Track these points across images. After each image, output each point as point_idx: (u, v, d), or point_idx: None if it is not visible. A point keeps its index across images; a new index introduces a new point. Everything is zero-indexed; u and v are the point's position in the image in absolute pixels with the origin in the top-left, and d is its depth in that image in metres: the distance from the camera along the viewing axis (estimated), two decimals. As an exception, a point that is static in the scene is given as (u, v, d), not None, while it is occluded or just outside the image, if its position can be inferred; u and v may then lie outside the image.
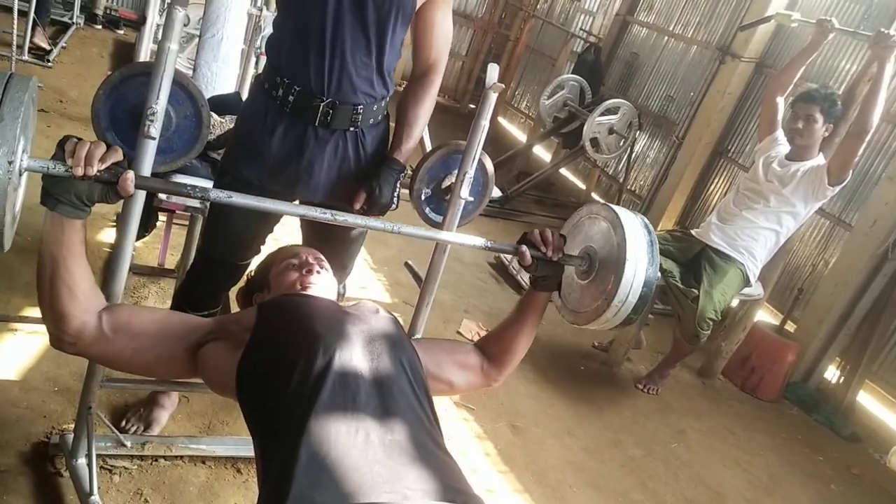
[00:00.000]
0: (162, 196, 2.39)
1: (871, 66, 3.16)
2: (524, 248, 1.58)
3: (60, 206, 1.23)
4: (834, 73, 4.46)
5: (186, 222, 2.53)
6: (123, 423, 2.06)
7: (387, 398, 1.26)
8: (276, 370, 1.26)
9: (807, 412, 3.82)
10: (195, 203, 2.22)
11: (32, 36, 4.88)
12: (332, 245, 1.92)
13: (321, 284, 1.56)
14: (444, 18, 1.79)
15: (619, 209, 1.65)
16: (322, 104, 1.68)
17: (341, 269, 1.98)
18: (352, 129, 1.75)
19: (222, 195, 1.35)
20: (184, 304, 1.96)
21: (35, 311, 2.38)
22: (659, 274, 1.62)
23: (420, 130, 1.86)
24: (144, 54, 4.54)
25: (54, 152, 1.21)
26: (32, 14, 4.82)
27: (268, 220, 1.92)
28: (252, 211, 1.79)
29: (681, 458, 2.99)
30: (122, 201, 1.39)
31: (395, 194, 1.83)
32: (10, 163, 1.11)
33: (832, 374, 4.03)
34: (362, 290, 3.37)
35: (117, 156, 1.24)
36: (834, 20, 3.20)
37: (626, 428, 3.08)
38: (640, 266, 1.55)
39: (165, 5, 5.00)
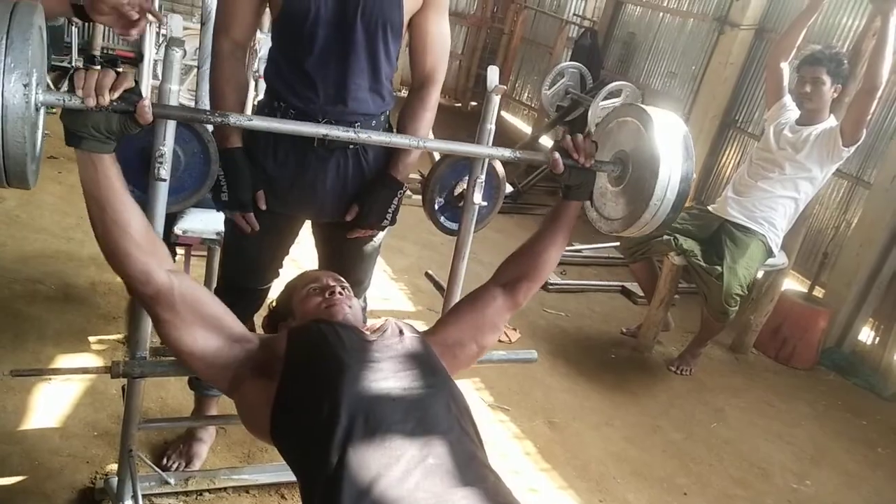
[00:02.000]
0: (178, 231, 2.42)
1: (874, 21, 3.12)
2: (557, 155, 1.54)
3: (84, 141, 1.23)
4: (836, 31, 4.40)
5: (205, 254, 2.54)
6: (165, 460, 2.08)
7: (424, 422, 1.25)
8: (307, 406, 1.25)
9: (845, 377, 3.77)
10: (212, 235, 2.23)
11: None
12: (347, 261, 1.94)
13: (344, 305, 1.56)
14: (438, 26, 1.77)
15: (649, 108, 1.60)
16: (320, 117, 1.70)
17: (358, 283, 1.98)
18: (352, 146, 1.75)
19: (242, 119, 1.37)
20: None
21: (68, 361, 2.44)
22: (692, 168, 1.55)
23: None
24: (145, 91, 4.59)
25: (66, 87, 1.21)
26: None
27: (284, 242, 1.94)
28: (266, 236, 1.82)
29: (722, 438, 2.96)
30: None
31: (390, 211, 1.81)
32: (25, 86, 1.10)
33: (867, 335, 3.98)
34: (385, 301, 3.38)
35: (128, 82, 1.23)
36: (831, -22, 3.15)
37: (663, 412, 3.05)
38: (675, 161, 1.50)
39: (160, 42, 5.05)
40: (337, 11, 1.62)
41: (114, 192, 1.28)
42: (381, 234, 1.94)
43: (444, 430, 1.25)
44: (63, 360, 2.42)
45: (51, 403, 2.22)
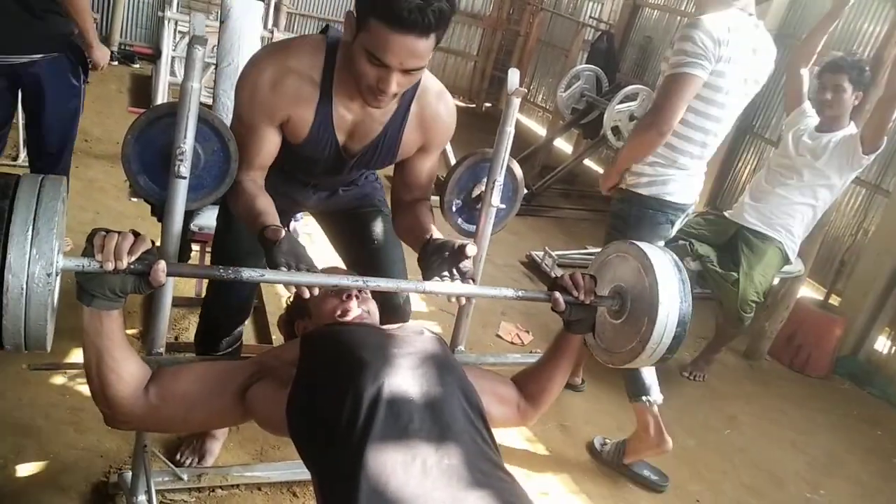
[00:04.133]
0: (194, 228, 2.42)
1: (896, 28, 3.09)
2: (556, 294, 1.54)
3: (96, 300, 1.24)
4: (858, 37, 4.36)
5: (220, 251, 2.55)
6: (178, 456, 2.08)
7: (440, 422, 1.25)
8: (326, 404, 1.26)
9: (860, 386, 3.74)
10: (228, 233, 2.23)
11: None
12: (367, 258, 1.96)
13: (362, 309, 1.57)
14: (431, 162, 1.79)
15: (646, 247, 1.61)
16: (311, 184, 1.87)
17: (392, 264, 1.99)
18: (342, 189, 1.94)
19: (255, 274, 1.32)
20: (206, 336, 2.03)
21: (81, 358, 2.43)
22: (690, 310, 1.57)
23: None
24: (162, 87, 4.62)
25: (84, 248, 1.21)
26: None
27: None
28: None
29: (735, 445, 2.94)
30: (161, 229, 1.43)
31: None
32: (48, 275, 1.12)
33: (882, 344, 3.95)
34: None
35: (145, 245, 1.23)
36: (854, -17, 3.12)
37: (676, 418, 3.03)
38: (672, 308, 1.52)
39: (177, 40, 5.09)
40: (335, 166, 1.73)
41: (115, 342, 1.30)
42: (387, 211, 1.98)
43: (459, 431, 1.26)
44: (78, 354, 2.42)
45: (66, 397, 2.23)
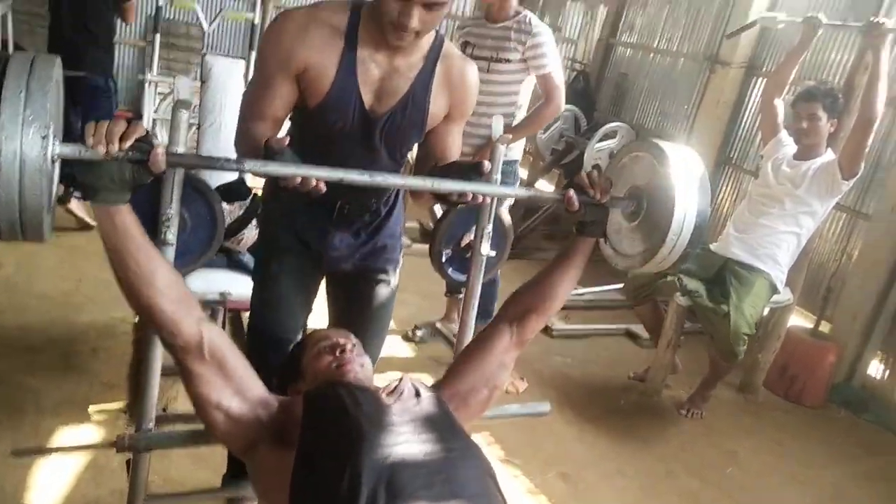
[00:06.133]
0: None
1: (865, 56, 3.15)
2: (571, 192, 1.52)
3: (99, 193, 1.22)
4: (827, 66, 4.45)
5: (208, 313, 2.50)
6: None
7: (449, 485, 1.20)
8: (326, 475, 1.21)
9: (856, 413, 3.71)
10: (215, 296, 2.20)
11: None
12: (360, 316, 1.89)
13: (357, 364, 1.53)
14: (455, 137, 1.76)
15: (663, 143, 1.59)
16: (337, 204, 1.70)
17: (372, 342, 1.92)
18: (368, 216, 1.77)
19: (257, 165, 1.32)
20: None
21: (68, 433, 2.38)
22: (709, 201, 1.54)
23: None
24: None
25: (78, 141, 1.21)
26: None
27: (309, 284, 1.89)
28: (293, 274, 1.78)
29: (737, 482, 2.89)
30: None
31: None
32: (43, 138, 1.10)
33: (876, 369, 3.93)
34: (388, 351, 3.32)
35: (139, 131, 1.22)
36: (821, 15, 3.19)
37: (676, 457, 2.99)
38: (691, 195, 1.49)
39: (158, 101, 5.10)
40: (362, 134, 1.62)
41: (134, 242, 1.26)
42: (393, 283, 1.91)
43: (473, 495, 1.21)
44: (63, 432, 2.36)
45: (51, 480, 2.15)
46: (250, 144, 1.56)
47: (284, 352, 1.78)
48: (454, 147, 1.76)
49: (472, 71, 1.68)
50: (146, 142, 1.23)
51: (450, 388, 1.52)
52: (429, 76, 1.61)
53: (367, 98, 1.59)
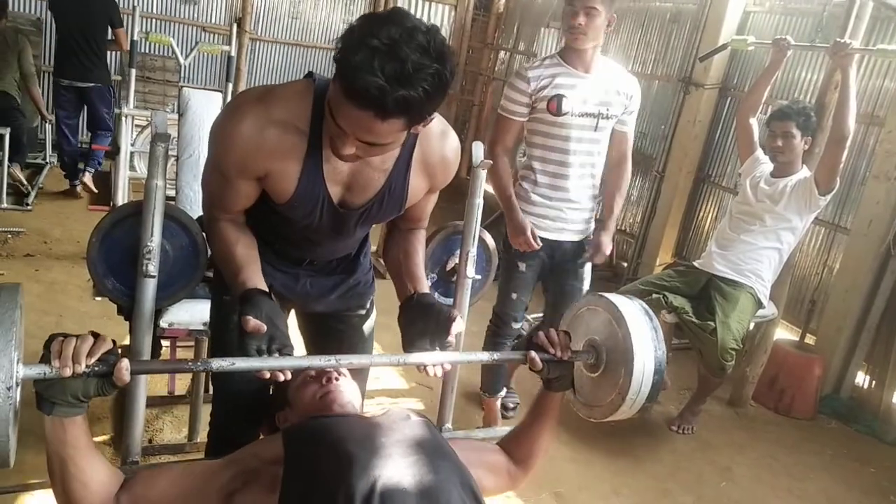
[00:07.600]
0: (164, 324, 2.36)
1: (834, 75, 3.22)
2: (532, 353, 1.50)
3: (57, 408, 1.17)
4: (798, 85, 4.54)
5: (192, 344, 2.47)
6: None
7: None
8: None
9: (846, 423, 3.72)
10: (199, 326, 2.17)
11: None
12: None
13: (343, 391, 1.52)
14: (433, 201, 1.69)
15: (615, 298, 1.60)
16: (305, 261, 1.68)
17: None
18: (335, 261, 1.74)
19: (224, 363, 1.25)
20: (220, 443, 1.80)
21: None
22: (666, 355, 1.57)
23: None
24: (122, 183, 4.59)
25: (42, 354, 1.15)
26: (6, 162, 4.91)
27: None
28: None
29: (732, 498, 2.88)
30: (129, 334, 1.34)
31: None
32: (8, 388, 1.06)
33: (862, 379, 3.96)
34: (376, 379, 3.29)
35: (106, 345, 1.17)
36: (789, 38, 3.27)
37: (670, 475, 2.98)
38: (647, 357, 1.51)
39: (134, 135, 5.09)
40: (333, 225, 1.55)
41: (79, 450, 1.23)
42: (372, 316, 1.89)
43: None
44: (37, 476, 2.30)
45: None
46: (222, 244, 1.48)
47: (254, 396, 1.73)
48: (428, 210, 1.70)
49: (450, 149, 1.55)
50: (112, 353, 1.19)
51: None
52: (405, 165, 1.49)
53: (337, 192, 1.48)
